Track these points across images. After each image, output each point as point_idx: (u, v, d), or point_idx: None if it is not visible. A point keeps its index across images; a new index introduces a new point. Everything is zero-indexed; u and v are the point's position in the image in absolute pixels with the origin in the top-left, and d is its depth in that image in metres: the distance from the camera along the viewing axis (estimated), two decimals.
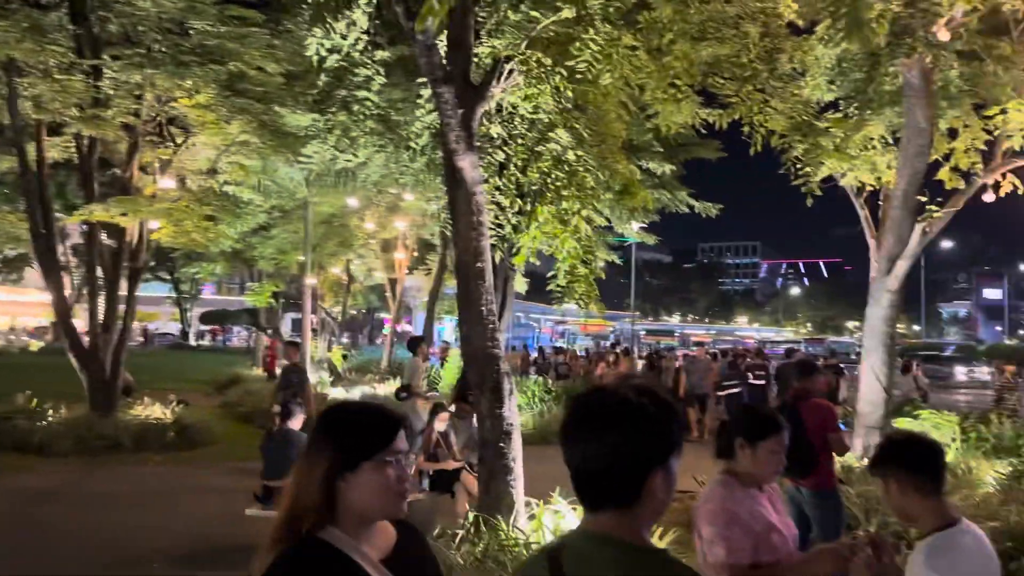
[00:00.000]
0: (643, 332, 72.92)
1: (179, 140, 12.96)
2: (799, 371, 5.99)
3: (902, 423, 10.30)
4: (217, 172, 13.96)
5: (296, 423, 7.40)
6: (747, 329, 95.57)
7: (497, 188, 7.81)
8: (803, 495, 5.45)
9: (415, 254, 25.73)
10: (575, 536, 1.52)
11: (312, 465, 1.70)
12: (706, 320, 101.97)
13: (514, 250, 7.97)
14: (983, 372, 32.23)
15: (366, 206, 20.11)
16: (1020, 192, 10.31)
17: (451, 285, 21.68)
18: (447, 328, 37.37)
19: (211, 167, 13.55)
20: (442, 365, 20.13)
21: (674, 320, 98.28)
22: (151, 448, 11.66)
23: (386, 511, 1.74)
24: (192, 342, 54.93)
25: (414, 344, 11.36)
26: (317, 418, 1.81)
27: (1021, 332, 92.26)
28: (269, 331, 25.94)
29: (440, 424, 7.71)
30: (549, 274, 7.71)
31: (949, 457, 9.23)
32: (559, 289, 7.57)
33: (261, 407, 13.90)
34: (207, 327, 55.49)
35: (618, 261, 22.36)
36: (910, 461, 2.46)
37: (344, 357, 25.01)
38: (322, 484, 1.67)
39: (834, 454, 5.55)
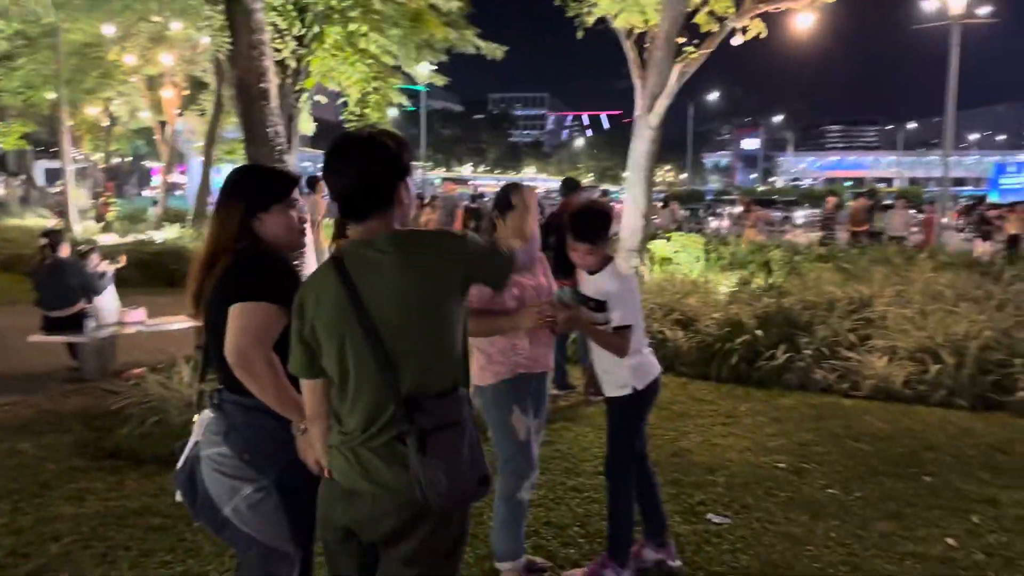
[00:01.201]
0: (436, 181, 73.50)
1: None
2: (565, 188, 6.70)
3: (657, 245, 11.64)
4: None
5: (64, 251, 7.16)
6: (534, 180, 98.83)
7: (274, 9, 7.55)
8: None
9: (186, 93, 23.75)
10: (349, 242, 1.94)
11: (229, 211, 2.20)
12: (496, 171, 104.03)
13: (302, 76, 7.81)
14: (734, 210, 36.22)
15: (126, 35, 18.19)
16: (762, 37, 11.47)
17: (230, 126, 20.55)
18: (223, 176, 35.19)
19: None
20: None
21: (466, 170, 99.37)
22: None
23: (292, 242, 2.28)
24: None
25: (312, 182, 11.31)
26: (225, 181, 2.28)
27: (771, 179, 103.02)
28: (22, 177, 23.40)
29: None
30: (340, 100, 7.71)
31: (695, 272, 10.68)
32: (351, 117, 7.62)
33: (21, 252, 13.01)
34: None
35: (409, 107, 22.09)
36: (603, 223, 3.30)
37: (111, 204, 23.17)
38: (240, 222, 2.17)
39: None
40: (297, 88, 8.63)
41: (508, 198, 3.21)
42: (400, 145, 1.93)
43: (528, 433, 3.23)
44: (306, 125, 17.21)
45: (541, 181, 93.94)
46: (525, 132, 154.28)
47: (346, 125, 7.66)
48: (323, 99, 9.95)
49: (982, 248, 13.63)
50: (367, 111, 7.41)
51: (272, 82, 6.35)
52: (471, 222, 17.03)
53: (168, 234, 16.63)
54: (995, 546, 3.78)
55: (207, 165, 20.97)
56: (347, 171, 1.89)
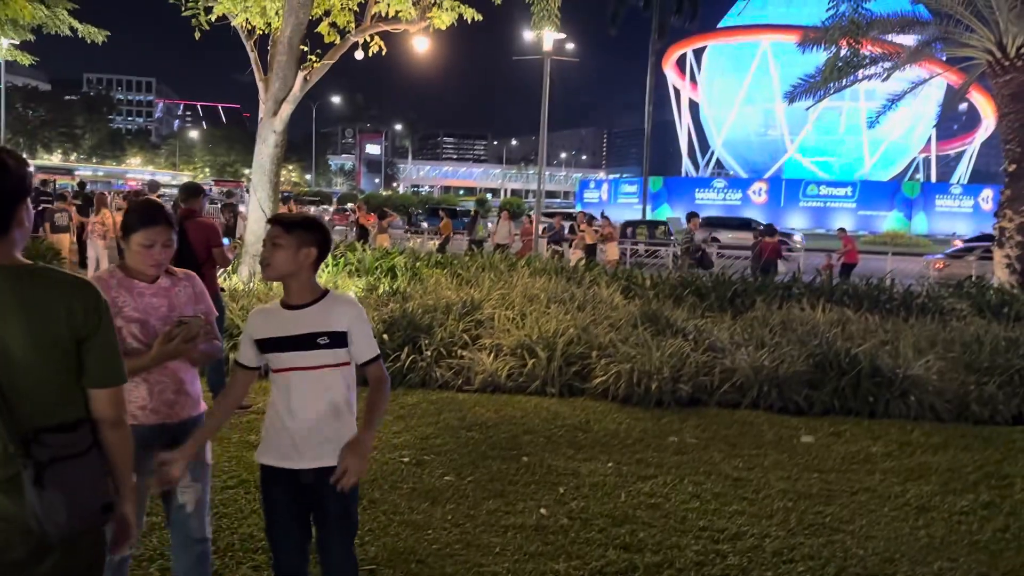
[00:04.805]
0: (34, 170, 63.81)
1: None
2: (185, 193, 6.43)
3: None
4: None
5: None
6: (141, 171, 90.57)
7: None
8: None
9: None
10: None
11: None
12: (94, 159, 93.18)
13: None
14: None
15: None
16: (385, 53, 12.08)
17: None
18: None
19: None
20: None
21: (55, 158, 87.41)
22: None
23: None
24: None
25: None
26: None
27: (394, 184, 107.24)
28: None
29: None
30: None
31: (323, 278, 10.85)
32: None
33: None
34: None
35: None
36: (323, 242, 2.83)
37: None
38: None
39: (218, 264, 6.20)
40: None
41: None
42: (20, 163, 1.84)
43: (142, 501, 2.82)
44: None
45: (148, 174, 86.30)
46: (129, 119, 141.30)
47: None
48: None
49: (575, 256, 15.82)
50: None
51: None
52: None
53: None
54: (576, 511, 4.56)
55: None
56: None
